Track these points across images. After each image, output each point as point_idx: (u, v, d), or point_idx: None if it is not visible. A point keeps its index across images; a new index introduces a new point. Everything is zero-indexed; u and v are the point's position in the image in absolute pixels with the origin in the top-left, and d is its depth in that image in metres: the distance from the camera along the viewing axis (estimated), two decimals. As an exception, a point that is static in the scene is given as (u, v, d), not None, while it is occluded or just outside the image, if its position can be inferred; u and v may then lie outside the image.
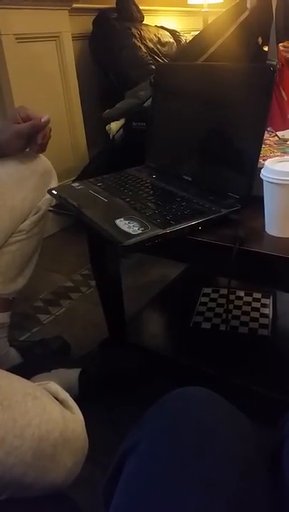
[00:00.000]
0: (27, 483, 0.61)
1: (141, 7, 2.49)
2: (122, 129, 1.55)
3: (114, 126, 1.59)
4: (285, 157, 0.76)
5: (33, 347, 1.29)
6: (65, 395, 0.72)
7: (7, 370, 0.70)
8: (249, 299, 1.37)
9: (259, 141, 0.78)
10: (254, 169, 0.78)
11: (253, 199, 0.78)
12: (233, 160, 0.83)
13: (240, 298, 1.38)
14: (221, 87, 0.87)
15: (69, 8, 2.06)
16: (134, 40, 2.36)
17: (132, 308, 1.35)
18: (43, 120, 0.99)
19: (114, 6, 2.38)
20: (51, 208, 1.07)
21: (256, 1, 1.24)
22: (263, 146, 0.90)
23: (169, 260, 1.48)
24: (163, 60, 2.48)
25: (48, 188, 1.04)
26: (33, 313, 1.57)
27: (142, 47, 2.39)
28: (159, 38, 2.58)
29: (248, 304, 1.35)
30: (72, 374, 1.13)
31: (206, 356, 1.14)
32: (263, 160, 0.79)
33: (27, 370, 1.03)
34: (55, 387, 0.73)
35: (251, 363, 1.11)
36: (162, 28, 2.74)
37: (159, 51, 2.53)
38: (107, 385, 1.13)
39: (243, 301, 1.36)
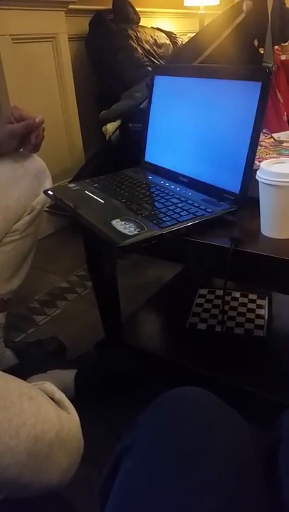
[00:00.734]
0: (22, 483, 0.61)
1: (137, 8, 2.50)
2: (118, 130, 1.55)
3: (111, 127, 1.59)
4: (281, 159, 0.76)
5: (28, 348, 1.29)
6: (60, 396, 0.72)
7: (3, 371, 0.70)
8: (245, 300, 1.38)
9: (255, 143, 0.79)
10: (250, 171, 0.79)
11: (248, 200, 0.79)
12: (228, 161, 0.84)
13: (235, 299, 1.38)
14: (216, 88, 0.87)
15: (65, 9, 2.06)
16: (130, 41, 2.36)
17: (128, 309, 1.36)
18: (37, 120, 0.99)
19: (111, 7, 2.38)
20: (47, 209, 1.07)
21: (252, 3, 1.24)
22: (259, 147, 0.90)
23: (165, 261, 1.49)
24: (159, 61, 2.48)
25: (42, 187, 1.05)
26: (29, 314, 1.57)
27: (138, 48, 2.39)
28: (155, 40, 2.58)
29: (244, 305, 1.35)
30: (68, 375, 1.13)
31: (201, 357, 1.14)
32: (259, 161, 0.80)
33: (23, 371, 1.03)
34: (51, 387, 0.73)
35: (247, 364, 1.11)
36: (158, 29, 2.74)
37: (156, 53, 2.53)
38: (102, 385, 1.13)
39: (239, 303, 1.36)
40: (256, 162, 0.81)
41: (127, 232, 0.74)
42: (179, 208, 0.82)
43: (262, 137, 1.09)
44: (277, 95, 1.21)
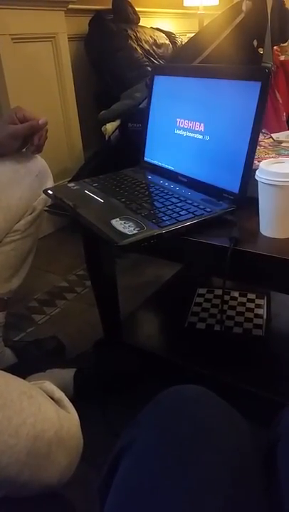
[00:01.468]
0: (22, 482, 0.61)
1: (137, 8, 2.50)
2: (117, 130, 1.55)
3: (110, 127, 1.59)
4: (280, 158, 0.76)
5: (28, 347, 1.29)
6: (60, 395, 0.72)
7: (2, 370, 0.70)
8: (243, 299, 1.38)
9: (254, 143, 0.79)
10: (249, 170, 0.79)
11: (247, 200, 0.79)
12: (228, 161, 0.84)
13: (234, 298, 1.39)
14: (216, 88, 0.87)
15: (65, 8, 2.06)
16: (130, 41, 2.36)
17: (127, 308, 1.36)
18: (40, 122, 1.00)
19: (110, 7, 2.39)
20: (47, 208, 1.07)
21: (251, 3, 1.24)
22: (258, 147, 0.90)
23: (164, 260, 1.49)
24: (159, 61, 2.49)
25: (44, 187, 1.05)
26: (28, 314, 1.57)
27: (138, 48, 2.39)
28: (154, 40, 2.59)
29: (243, 304, 1.36)
30: (67, 374, 1.13)
31: (200, 356, 1.14)
32: (258, 161, 0.80)
33: (22, 370, 1.03)
34: (50, 386, 0.73)
35: (245, 363, 1.12)
36: (158, 29, 2.75)
37: (155, 53, 2.53)
38: (102, 384, 1.13)
39: (238, 302, 1.37)
40: (255, 162, 0.81)
41: (126, 231, 0.74)
42: (178, 207, 0.82)
43: (261, 137, 1.09)
44: (276, 96, 1.21)
